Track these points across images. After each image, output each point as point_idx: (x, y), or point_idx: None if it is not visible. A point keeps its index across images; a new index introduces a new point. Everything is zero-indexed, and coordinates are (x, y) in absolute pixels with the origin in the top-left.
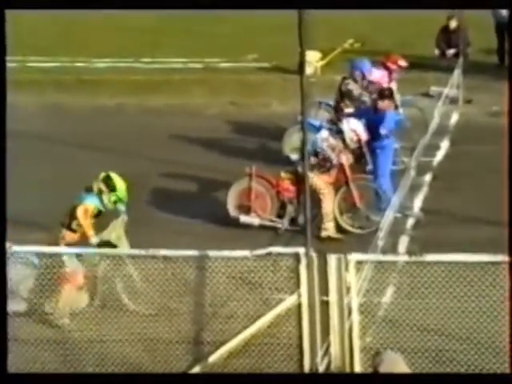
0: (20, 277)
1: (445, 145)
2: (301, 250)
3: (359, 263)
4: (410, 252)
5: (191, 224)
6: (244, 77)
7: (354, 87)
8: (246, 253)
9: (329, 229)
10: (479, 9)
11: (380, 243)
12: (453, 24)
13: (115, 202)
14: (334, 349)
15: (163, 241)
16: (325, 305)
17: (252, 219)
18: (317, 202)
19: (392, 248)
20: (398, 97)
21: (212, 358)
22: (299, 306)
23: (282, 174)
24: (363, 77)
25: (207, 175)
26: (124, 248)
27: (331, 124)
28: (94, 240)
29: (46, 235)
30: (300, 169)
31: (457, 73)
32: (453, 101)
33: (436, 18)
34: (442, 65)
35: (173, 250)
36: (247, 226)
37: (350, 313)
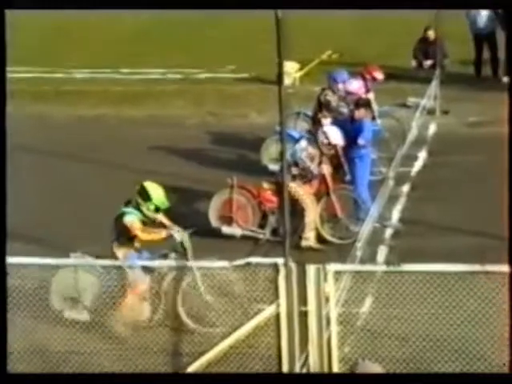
0: (85, 285)
1: (422, 155)
2: (279, 261)
3: (338, 273)
4: (388, 262)
5: None
6: (223, 87)
7: (332, 98)
8: (224, 263)
9: (310, 238)
10: (477, 9)
11: (359, 253)
12: (431, 35)
13: (156, 210)
14: (313, 359)
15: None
16: (303, 315)
17: (234, 230)
18: (299, 212)
19: (370, 258)
20: (375, 107)
21: (190, 369)
22: (278, 316)
23: (264, 185)
24: (341, 87)
25: (188, 186)
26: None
27: (310, 134)
28: (179, 235)
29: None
30: (281, 179)
31: (434, 84)
32: (430, 111)
33: (414, 29)
34: (419, 76)
35: (151, 261)
36: (229, 237)
37: (328, 323)
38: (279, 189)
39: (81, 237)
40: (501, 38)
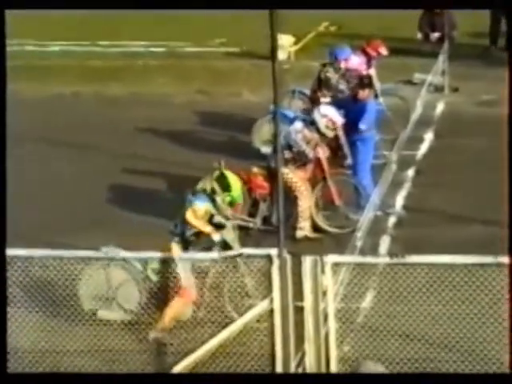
0: (118, 282)
1: (429, 137)
2: (273, 252)
3: (336, 265)
4: (391, 253)
5: (156, 224)
6: (212, 63)
7: (332, 75)
8: (214, 255)
9: (305, 228)
10: (479, 9)
11: (359, 244)
12: None
13: (230, 204)
14: (309, 359)
15: (125, 242)
16: (299, 311)
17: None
18: (292, 199)
19: (372, 249)
20: (377, 85)
21: (176, 369)
22: (271, 312)
23: (255, 170)
24: (346, 65)
25: (173, 170)
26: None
27: (306, 114)
28: (217, 237)
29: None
30: (273, 164)
31: (442, 58)
32: (438, 89)
33: None
34: (425, 49)
35: (134, 252)
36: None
37: (326, 319)
38: (271, 174)
39: (58, 227)
40: None
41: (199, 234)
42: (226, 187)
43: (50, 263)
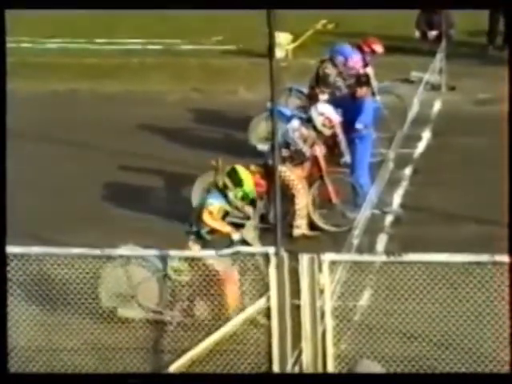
0: (138, 280)
1: (426, 135)
2: (270, 250)
3: (333, 263)
4: (388, 251)
5: (152, 222)
6: (208, 61)
7: (331, 72)
8: (211, 252)
9: (302, 226)
10: (479, 9)
11: (356, 242)
12: None
13: (242, 198)
14: (306, 356)
15: (122, 240)
16: (296, 309)
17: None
18: (289, 197)
19: (369, 247)
20: (375, 83)
21: (173, 368)
22: (268, 310)
23: (252, 168)
24: (345, 63)
25: (169, 168)
26: None
27: (302, 112)
28: (237, 236)
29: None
30: (270, 162)
31: (439, 57)
32: (435, 87)
33: None
34: (423, 48)
35: (131, 250)
36: None
37: (323, 317)
38: (268, 172)
39: (55, 226)
40: None
41: (214, 231)
42: (237, 182)
43: (46, 261)
